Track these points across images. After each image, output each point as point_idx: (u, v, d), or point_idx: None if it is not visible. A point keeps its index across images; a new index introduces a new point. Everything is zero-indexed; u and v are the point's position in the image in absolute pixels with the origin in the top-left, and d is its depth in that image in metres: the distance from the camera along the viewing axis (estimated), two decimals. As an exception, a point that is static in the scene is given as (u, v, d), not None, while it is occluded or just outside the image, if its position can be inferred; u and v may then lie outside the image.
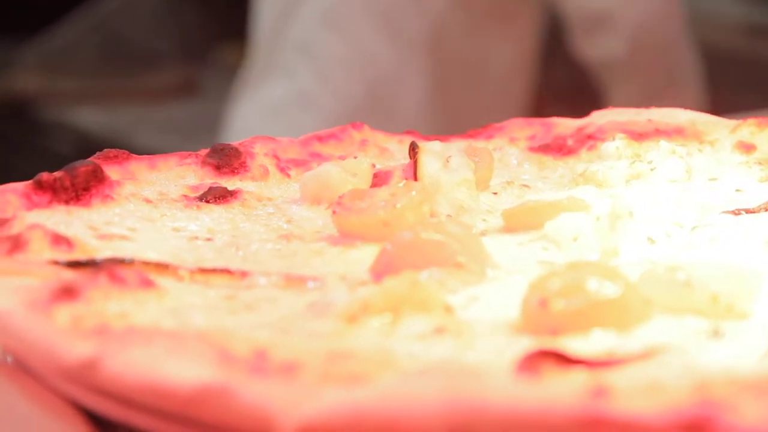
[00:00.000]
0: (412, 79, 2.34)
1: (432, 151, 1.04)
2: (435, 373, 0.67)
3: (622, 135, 1.10)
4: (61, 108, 3.54)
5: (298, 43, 2.37)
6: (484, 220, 0.99)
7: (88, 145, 1.01)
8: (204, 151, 1.06)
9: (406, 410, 0.65)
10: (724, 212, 0.99)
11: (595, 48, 2.37)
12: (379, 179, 1.04)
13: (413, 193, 0.95)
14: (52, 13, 3.75)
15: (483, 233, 0.97)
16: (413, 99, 2.35)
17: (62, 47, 3.78)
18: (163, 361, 0.70)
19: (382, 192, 0.96)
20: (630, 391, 0.64)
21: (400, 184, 0.96)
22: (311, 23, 2.34)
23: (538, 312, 0.76)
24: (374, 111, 2.30)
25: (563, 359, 0.69)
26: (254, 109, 2.39)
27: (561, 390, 0.64)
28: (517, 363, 0.69)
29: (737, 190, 1.03)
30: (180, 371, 0.69)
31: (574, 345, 0.73)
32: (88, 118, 3.49)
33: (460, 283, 0.86)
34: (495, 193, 1.05)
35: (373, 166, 1.05)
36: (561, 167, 1.11)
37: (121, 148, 1.05)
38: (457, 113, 2.37)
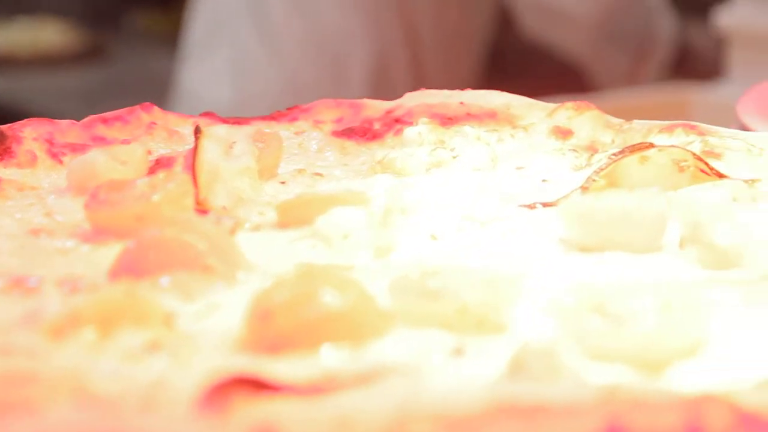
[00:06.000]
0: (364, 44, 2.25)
1: (215, 137, 0.95)
2: (105, 406, 0.59)
3: (425, 119, 1.01)
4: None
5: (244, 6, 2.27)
6: (260, 213, 0.91)
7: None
8: (-36, 136, 0.98)
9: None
10: (520, 206, 0.91)
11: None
12: (161, 166, 0.96)
13: (172, 184, 0.86)
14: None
15: (256, 228, 0.89)
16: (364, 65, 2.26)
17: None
18: None
19: (143, 183, 0.87)
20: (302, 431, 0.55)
21: (161, 175, 0.88)
22: None
23: (260, 326, 0.68)
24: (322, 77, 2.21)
25: (261, 386, 0.61)
26: (200, 73, 2.30)
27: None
28: (203, 393, 0.61)
29: (543, 180, 0.95)
30: None
31: (287, 367, 0.65)
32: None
33: (203, 288, 0.77)
34: (283, 183, 0.96)
35: (149, 152, 0.97)
36: (364, 153, 1.03)
37: (20, 114, 0.97)
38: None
